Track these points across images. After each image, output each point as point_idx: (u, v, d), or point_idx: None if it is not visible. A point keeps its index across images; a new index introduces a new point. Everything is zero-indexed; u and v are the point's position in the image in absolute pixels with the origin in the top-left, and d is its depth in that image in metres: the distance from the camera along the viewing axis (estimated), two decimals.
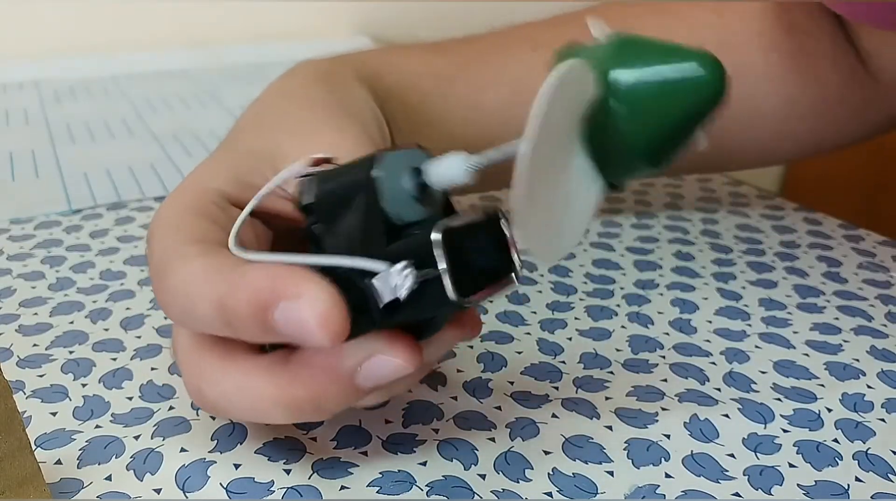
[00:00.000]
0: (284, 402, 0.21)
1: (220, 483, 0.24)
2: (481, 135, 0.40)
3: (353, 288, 0.20)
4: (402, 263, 0.19)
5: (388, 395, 0.24)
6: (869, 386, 0.30)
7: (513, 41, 0.42)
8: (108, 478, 0.25)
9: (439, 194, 0.22)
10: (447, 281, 0.19)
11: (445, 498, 0.24)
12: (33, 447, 0.25)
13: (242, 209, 0.25)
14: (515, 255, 0.22)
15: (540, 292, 0.37)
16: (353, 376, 0.21)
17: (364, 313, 0.20)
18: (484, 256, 0.21)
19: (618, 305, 0.36)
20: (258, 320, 0.20)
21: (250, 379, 0.21)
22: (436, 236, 0.19)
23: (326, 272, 0.20)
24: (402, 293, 0.19)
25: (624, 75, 0.18)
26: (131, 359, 0.31)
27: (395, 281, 0.19)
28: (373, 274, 0.20)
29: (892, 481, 0.25)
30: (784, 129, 0.43)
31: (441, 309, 0.21)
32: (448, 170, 0.21)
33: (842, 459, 0.26)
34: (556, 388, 0.30)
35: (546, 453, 0.26)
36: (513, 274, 0.21)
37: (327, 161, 0.24)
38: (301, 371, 0.21)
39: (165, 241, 0.23)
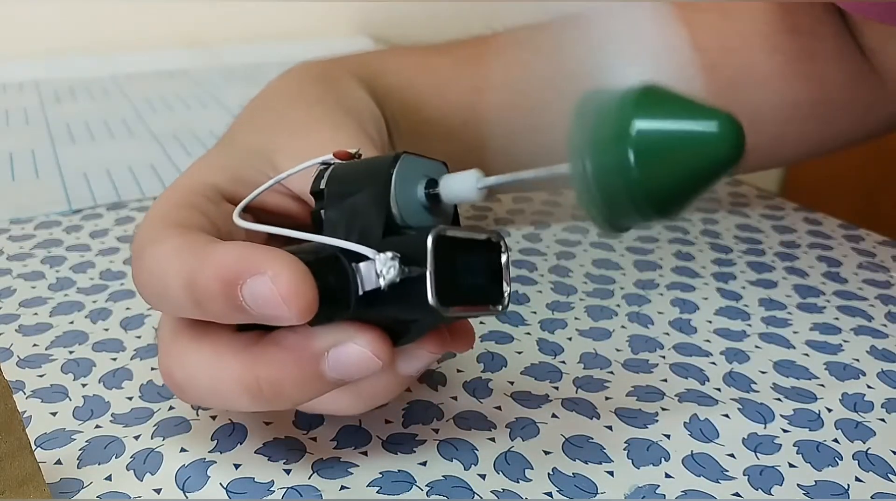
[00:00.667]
0: (246, 382, 0.21)
1: (220, 483, 0.24)
2: (479, 136, 0.40)
3: (337, 271, 0.20)
4: (390, 254, 0.19)
5: (357, 403, 0.23)
6: (869, 386, 0.30)
7: (510, 44, 0.42)
8: (108, 478, 0.25)
9: (449, 208, 0.22)
10: (430, 283, 0.19)
11: (445, 498, 0.24)
12: (33, 447, 0.25)
13: (236, 205, 0.25)
14: (506, 286, 0.21)
15: (540, 292, 0.37)
16: (320, 361, 0.20)
17: (342, 299, 0.20)
18: (473, 275, 0.21)
19: (618, 305, 0.36)
20: (227, 297, 0.19)
21: (218, 357, 0.21)
22: (430, 238, 0.19)
23: (316, 252, 0.20)
24: (384, 282, 0.19)
25: (642, 124, 0.17)
26: (131, 359, 0.31)
27: (379, 268, 0.19)
28: (360, 259, 0.20)
29: (892, 481, 0.25)
30: (786, 132, 0.43)
31: (418, 313, 0.20)
32: (460, 185, 0.21)
33: (842, 459, 0.26)
34: (556, 388, 0.30)
35: (546, 453, 0.26)
36: (499, 305, 0.21)
37: (353, 156, 0.24)
38: (268, 349, 0.21)
39: (146, 229, 0.23)
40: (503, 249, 0.22)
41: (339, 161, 0.24)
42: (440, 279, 0.19)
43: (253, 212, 0.27)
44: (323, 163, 0.24)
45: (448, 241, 0.20)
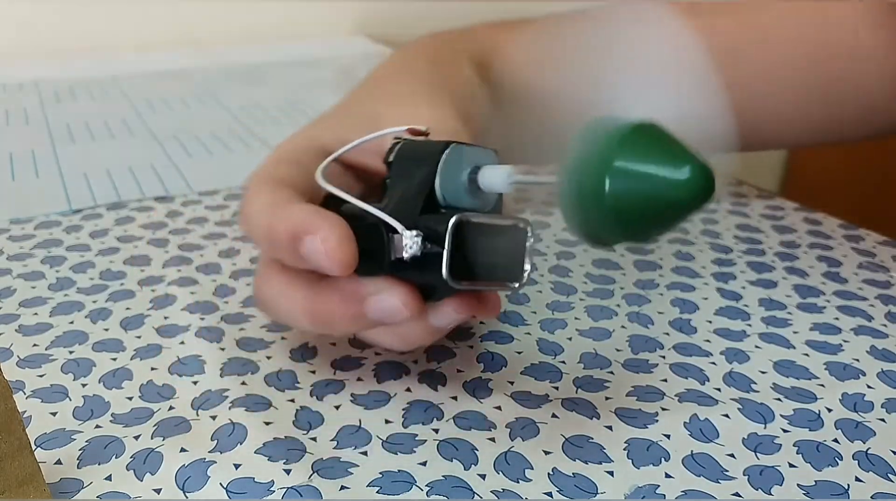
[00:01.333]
0: (307, 311, 0.26)
1: (220, 483, 0.24)
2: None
3: (376, 238, 0.24)
4: (415, 232, 0.23)
5: (397, 342, 0.27)
6: (869, 386, 0.30)
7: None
8: (108, 478, 0.25)
9: (493, 194, 0.25)
10: (445, 261, 0.23)
11: (445, 498, 0.24)
12: (33, 447, 0.25)
13: (341, 163, 0.29)
14: (528, 267, 0.24)
15: (540, 292, 0.37)
16: (363, 303, 0.25)
17: (378, 261, 0.24)
18: (494, 255, 0.24)
19: (618, 305, 0.36)
20: (292, 249, 0.25)
21: (290, 288, 0.27)
22: (451, 222, 0.23)
23: (366, 218, 0.25)
24: (406, 255, 0.23)
25: (621, 162, 0.20)
26: (131, 359, 0.31)
27: (405, 243, 0.23)
28: (395, 230, 0.24)
29: (892, 481, 0.25)
30: (888, 105, 0.43)
31: (437, 282, 0.23)
32: (495, 177, 0.24)
33: (842, 459, 0.26)
34: (556, 388, 0.30)
35: (546, 453, 0.26)
36: (515, 282, 0.24)
37: (423, 133, 0.27)
38: (327, 288, 0.26)
39: (253, 181, 0.29)
40: (529, 233, 0.24)
41: (410, 137, 0.27)
42: (456, 257, 0.23)
43: (353, 170, 0.31)
44: (396, 138, 0.27)
45: (469, 225, 0.23)
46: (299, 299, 0.26)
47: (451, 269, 0.23)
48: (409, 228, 0.23)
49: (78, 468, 0.25)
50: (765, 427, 0.28)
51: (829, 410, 0.29)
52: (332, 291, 0.26)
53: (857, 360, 0.32)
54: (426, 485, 0.25)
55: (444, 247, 0.23)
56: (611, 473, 0.25)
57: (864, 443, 0.27)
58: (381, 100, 0.34)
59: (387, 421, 0.27)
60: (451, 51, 0.39)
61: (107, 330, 0.33)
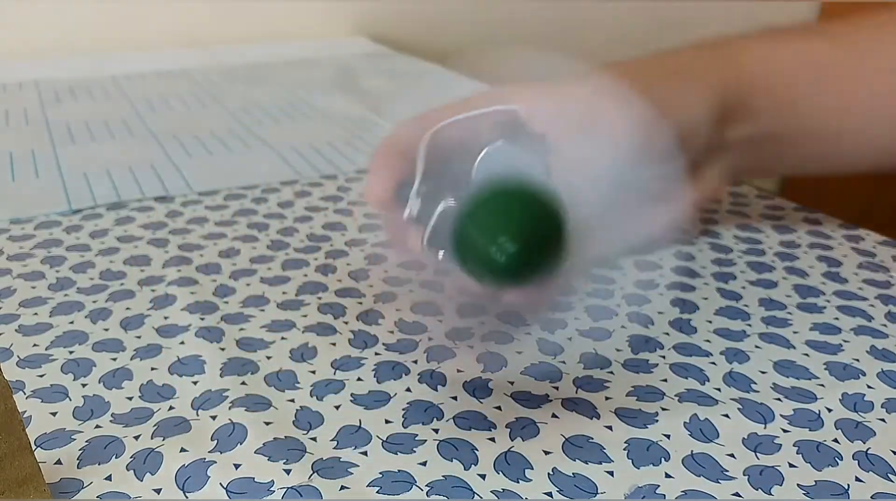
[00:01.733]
0: (386, 232, 0.34)
1: (220, 483, 0.24)
2: (853, 125, 0.40)
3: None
4: (418, 199, 0.28)
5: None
6: (869, 386, 0.30)
7: (883, 25, 0.41)
8: (108, 478, 0.25)
9: None
10: (426, 233, 0.27)
11: (445, 498, 0.24)
12: (33, 447, 0.25)
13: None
14: None
15: None
16: (409, 241, 0.30)
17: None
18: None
19: (618, 305, 0.36)
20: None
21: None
22: (441, 206, 0.26)
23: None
24: (405, 214, 0.28)
25: (466, 220, 0.24)
26: (131, 359, 0.31)
27: (410, 204, 0.28)
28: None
29: (892, 481, 0.25)
30: None
31: None
32: None
33: (842, 459, 0.26)
34: (556, 388, 0.30)
35: (546, 453, 0.26)
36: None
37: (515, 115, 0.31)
38: (393, 220, 0.31)
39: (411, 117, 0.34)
40: None
41: (503, 118, 0.30)
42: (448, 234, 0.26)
43: None
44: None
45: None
46: (383, 222, 0.34)
47: (431, 242, 0.28)
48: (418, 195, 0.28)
49: (78, 468, 0.25)
50: (765, 427, 0.28)
51: (829, 410, 0.29)
52: (394, 224, 0.32)
53: (857, 360, 0.32)
54: (426, 485, 0.25)
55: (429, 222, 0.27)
56: (611, 473, 0.25)
57: (864, 443, 0.27)
58: (562, 80, 0.36)
59: (387, 421, 0.27)
60: (675, 71, 0.39)
61: (107, 330, 0.33)
